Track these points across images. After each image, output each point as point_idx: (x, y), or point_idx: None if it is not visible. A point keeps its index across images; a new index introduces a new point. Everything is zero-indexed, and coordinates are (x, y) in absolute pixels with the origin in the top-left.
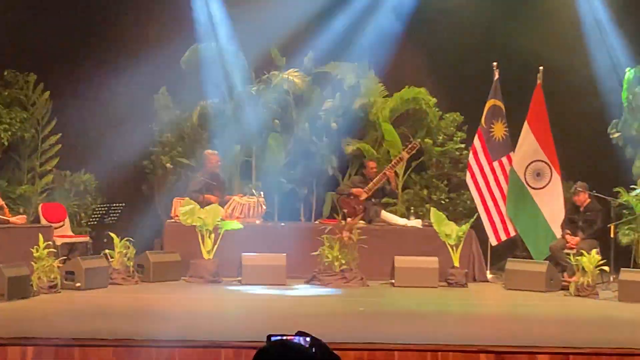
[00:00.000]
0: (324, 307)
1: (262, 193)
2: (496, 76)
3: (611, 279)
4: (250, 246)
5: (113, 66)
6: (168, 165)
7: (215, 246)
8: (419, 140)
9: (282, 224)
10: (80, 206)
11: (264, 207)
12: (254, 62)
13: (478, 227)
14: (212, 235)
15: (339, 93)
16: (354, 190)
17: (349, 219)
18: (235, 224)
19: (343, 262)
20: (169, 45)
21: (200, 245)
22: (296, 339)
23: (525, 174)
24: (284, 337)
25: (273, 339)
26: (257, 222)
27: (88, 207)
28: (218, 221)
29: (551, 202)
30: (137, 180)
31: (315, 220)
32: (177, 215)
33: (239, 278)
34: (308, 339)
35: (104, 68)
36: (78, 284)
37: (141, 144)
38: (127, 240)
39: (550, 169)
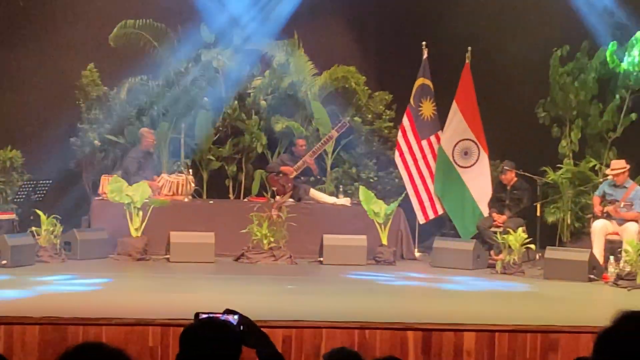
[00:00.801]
0: (252, 285)
1: (190, 171)
2: (425, 55)
3: (537, 257)
4: (179, 224)
5: (39, 43)
6: (96, 142)
7: (144, 224)
8: (348, 118)
9: (211, 201)
10: (7, 183)
11: (193, 184)
12: (183, 39)
13: (406, 205)
14: (140, 213)
15: (268, 71)
16: (283, 168)
17: (278, 197)
18: (163, 201)
19: (272, 240)
20: (97, 21)
21: (128, 223)
22: (224, 317)
23: (453, 153)
24: (212, 315)
25: (201, 317)
26: (186, 199)
27: (14, 184)
28: (146, 199)
29: (478, 180)
30: (65, 157)
31: (244, 198)
32: (105, 193)
33: (167, 256)
34: (236, 317)
35: (29, 45)
36: (4, 262)
37: (68, 121)
38: (54, 217)
39: (478, 147)
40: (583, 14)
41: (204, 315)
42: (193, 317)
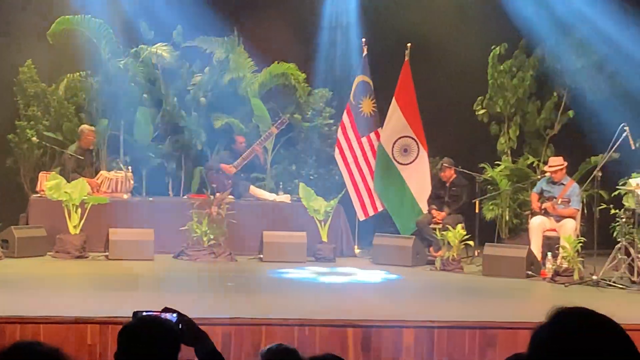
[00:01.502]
0: (191, 282)
1: (130, 168)
2: (365, 52)
3: (476, 253)
4: (118, 221)
5: None
6: (34, 139)
7: (82, 221)
8: (288, 115)
9: (150, 198)
10: None
11: (132, 181)
12: (122, 35)
13: (346, 202)
14: (79, 210)
15: (208, 67)
16: (223, 165)
17: (217, 194)
18: (102, 199)
19: (211, 237)
20: (35, 17)
21: (66, 220)
22: (163, 315)
23: (392, 150)
24: (151, 313)
25: (140, 315)
26: (125, 196)
27: None
28: (84, 196)
29: (418, 177)
30: (2, 154)
31: (183, 195)
32: (42, 190)
33: (106, 253)
34: (175, 315)
35: None
36: None
37: (6, 117)
38: None
39: (418, 145)
40: (521, 12)
41: (143, 314)
42: (132, 315)
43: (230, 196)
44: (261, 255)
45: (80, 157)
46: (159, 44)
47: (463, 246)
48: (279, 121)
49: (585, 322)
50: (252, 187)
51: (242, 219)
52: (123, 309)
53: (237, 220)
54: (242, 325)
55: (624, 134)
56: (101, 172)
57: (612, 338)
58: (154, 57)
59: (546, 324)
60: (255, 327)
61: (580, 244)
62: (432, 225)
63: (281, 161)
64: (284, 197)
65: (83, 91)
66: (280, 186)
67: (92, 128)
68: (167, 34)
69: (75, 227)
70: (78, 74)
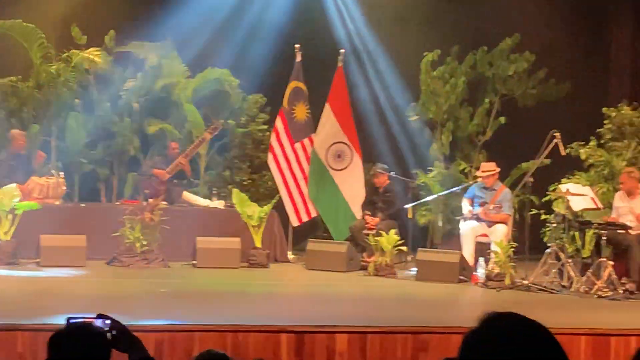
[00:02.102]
0: (125, 289)
1: (61, 174)
2: (298, 58)
3: (409, 258)
4: (50, 227)
5: None
6: None
7: (13, 227)
8: (222, 121)
9: (83, 204)
10: None
11: (64, 187)
12: (53, 40)
13: (280, 208)
14: (10, 216)
15: (141, 73)
16: (156, 171)
17: (150, 200)
18: (32, 205)
19: (144, 243)
20: None
21: None
22: (96, 322)
23: (326, 156)
24: (84, 320)
25: (73, 321)
26: (57, 202)
27: None
28: (15, 202)
29: (351, 183)
30: None
31: (116, 201)
32: None
33: (38, 260)
34: (108, 321)
35: None
36: None
37: None
38: None
39: (351, 150)
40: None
41: (76, 320)
42: (65, 322)
43: (163, 202)
44: (194, 262)
45: (12, 163)
46: (91, 48)
47: (396, 252)
48: (213, 127)
49: (515, 327)
50: (185, 193)
51: (176, 225)
52: (56, 315)
53: (170, 226)
54: (175, 332)
55: (555, 140)
56: (32, 177)
57: (541, 343)
58: (87, 62)
59: (477, 329)
60: (188, 333)
61: (512, 249)
62: (365, 231)
63: (215, 167)
64: (218, 203)
65: (14, 96)
66: (214, 192)
67: (22, 133)
68: (99, 39)
69: (6, 233)
70: (9, 79)
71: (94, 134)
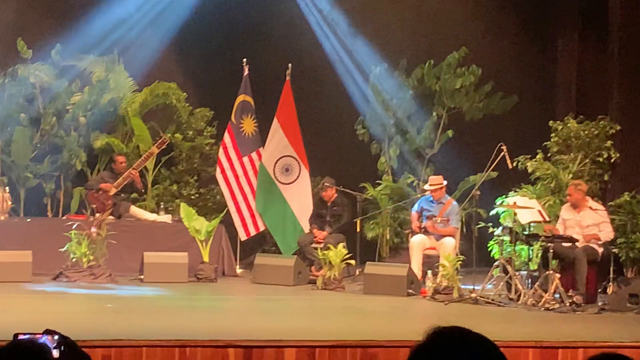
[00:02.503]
0: (71, 304)
1: (7, 188)
2: (246, 72)
3: (357, 272)
4: None
5: None
6: None
7: None
8: (169, 135)
9: (29, 219)
10: None
11: (10, 202)
12: None
13: (228, 222)
14: None
15: (87, 87)
16: (103, 185)
17: (97, 215)
18: None
19: (91, 258)
20: None
21: None
22: (44, 337)
23: (274, 169)
24: (32, 336)
25: (21, 337)
26: (2, 217)
27: None
28: None
29: (299, 197)
30: None
31: (63, 216)
32: None
33: None
34: (56, 337)
35: None
36: None
37: None
38: None
39: (299, 164)
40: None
41: (24, 336)
42: (12, 338)
43: (110, 216)
44: (142, 276)
45: None
46: (37, 62)
47: (344, 265)
48: (160, 141)
49: (461, 341)
50: (132, 208)
51: (123, 240)
52: (2, 331)
53: (117, 240)
54: (122, 347)
55: (502, 154)
56: None
57: (487, 357)
58: (32, 76)
59: (424, 343)
60: (135, 348)
61: (460, 262)
62: (313, 245)
63: (162, 181)
64: (165, 218)
65: None
66: (161, 206)
67: None
68: (45, 53)
69: None
70: None
71: (40, 148)
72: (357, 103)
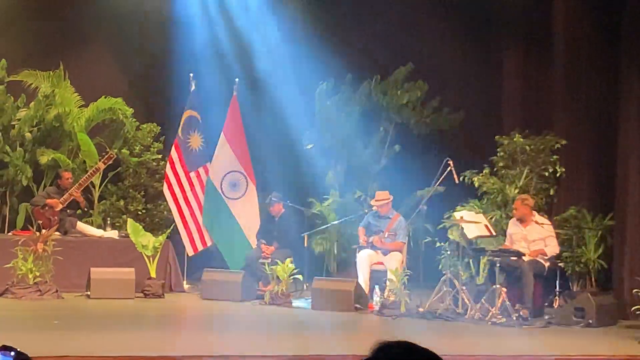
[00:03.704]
0: (18, 321)
1: None
2: (193, 87)
3: (305, 287)
4: None
5: None
6: None
7: None
8: (116, 150)
9: None
10: None
11: None
12: None
13: (175, 237)
14: None
15: (33, 102)
16: (49, 201)
17: (43, 231)
18: None
19: (37, 274)
20: None
21: None
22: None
23: (221, 185)
24: None
25: None
26: None
27: None
28: None
29: (247, 212)
30: None
31: (8, 232)
32: None
33: None
34: (12, 353)
35: None
36: None
37: None
38: None
39: (246, 179)
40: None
41: None
42: None
43: (56, 232)
44: (88, 292)
45: None
46: None
47: (292, 280)
48: (106, 156)
49: (407, 355)
50: (79, 223)
51: (69, 256)
52: None
53: (63, 256)
54: None
55: (449, 168)
56: None
57: None
58: None
59: (370, 358)
60: None
61: (407, 277)
62: (261, 260)
63: (109, 197)
64: (112, 233)
65: None
66: (108, 222)
67: None
68: None
69: None
70: None
71: None
72: (304, 118)
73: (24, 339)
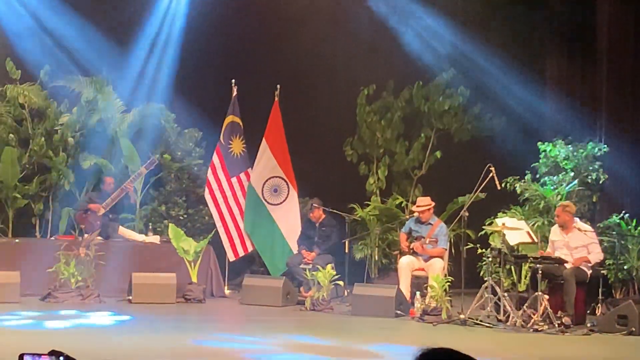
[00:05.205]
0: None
1: None
2: (235, 93)
3: (345, 293)
4: None
5: None
6: None
7: None
8: (158, 155)
9: (17, 240)
10: None
11: None
12: None
13: (216, 243)
14: None
15: (76, 107)
16: (92, 205)
17: (86, 235)
18: None
19: (79, 278)
20: None
21: None
22: (48, 359)
23: (262, 190)
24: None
25: (26, 357)
26: None
27: None
28: None
29: (288, 217)
30: None
31: (51, 237)
32: None
33: None
34: (61, 358)
35: None
36: None
37: None
38: None
39: (288, 185)
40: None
41: (29, 357)
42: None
43: (99, 237)
44: (130, 297)
45: None
46: (26, 83)
47: (333, 286)
48: (149, 161)
49: None
50: (121, 228)
51: (111, 260)
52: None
53: (105, 261)
54: None
55: (490, 175)
56: None
57: None
58: (21, 96)
59: None
60: None
61: (448, 283)
62: (302, 266)
63: (150, 202)
64: (153, 238)
65: None
66: (150, 227)
67: None
68: (34, 73)
69: None
70: None
71: (28, 168)
72: (345, 124)
73: (66, 344)
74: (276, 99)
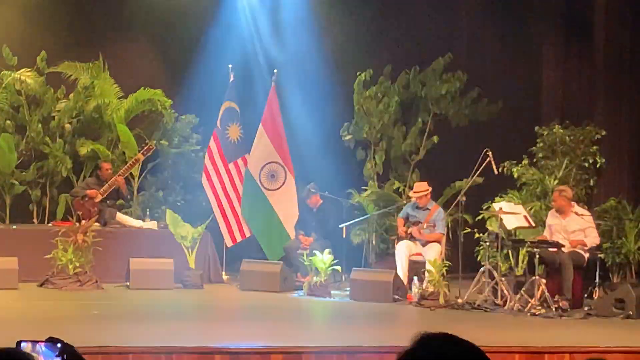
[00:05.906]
0: (57, 311)
1: None
2: (231, 78)
3: (343, 278)
4: None
5: None
6: None
7: None
8: (155, 141)
9: (14, 226)
10: None
11: None
12: None
13: (214, 228)
14: None
15: (73, 93)
16: (89, 192)
17: (83, 221)
18: None
19: (77, 265)
20: None
21: None
22: (46, 345)
23: (260, 176)
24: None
25: (23, 344)
26: None
27: None
28: None
29: (285, 203)
30: None
31: (48, 223)
32: None
33: None
34: (59, 345)
35: None
36: None
37: None
38: None
39: (285, 170)
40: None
41: (25, 344)
42: (15, 345)
43: (96, 223)
44: (128, 283)
45: None
46: (22, 69)
47: (330, 271)
48: (146, 147)
49: (447, 347)
50: (118, 214)
51: (109, 246)
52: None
53: (103, 247)
54: (108, 354)
55: (488, 159)
56: None
57: None
58: (18, 83)
59: (410, 349)
60: (123, 355)
61: (446, 268)
62: (299, 251)
63: (148, 188)
64: (151, 224)
65: None
66: (147, 213)
67: None
68: (31, 60)
69: None
70: None
71: (25, 155)
72: (342, 109)
73: (64, 330)
74: (273, 84)
